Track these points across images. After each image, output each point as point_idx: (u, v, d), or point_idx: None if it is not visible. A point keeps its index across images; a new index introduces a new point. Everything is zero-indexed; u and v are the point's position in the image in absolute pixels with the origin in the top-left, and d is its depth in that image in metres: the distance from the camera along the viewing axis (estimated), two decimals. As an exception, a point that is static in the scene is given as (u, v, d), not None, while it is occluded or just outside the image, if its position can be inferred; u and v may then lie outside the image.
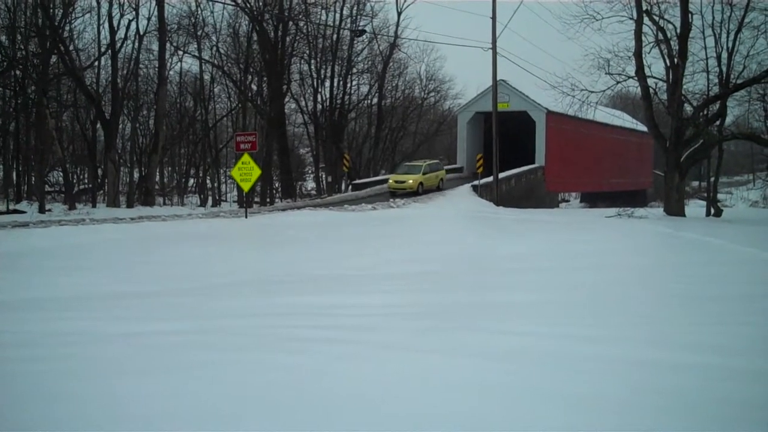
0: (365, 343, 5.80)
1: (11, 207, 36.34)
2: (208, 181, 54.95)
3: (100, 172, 45.19)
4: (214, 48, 50.96)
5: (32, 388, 4.53)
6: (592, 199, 62.77)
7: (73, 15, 42.09)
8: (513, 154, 48.19)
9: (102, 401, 4.27)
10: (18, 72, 42.47)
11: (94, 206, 39.31)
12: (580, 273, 11.03)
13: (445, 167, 43.39)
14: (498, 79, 38.60)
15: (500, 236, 20.14)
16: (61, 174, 45.82)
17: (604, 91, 31.80)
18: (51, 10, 38.60)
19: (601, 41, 52.46)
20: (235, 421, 3.91)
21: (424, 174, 38.06)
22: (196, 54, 50.46)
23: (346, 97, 54.53)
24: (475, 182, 38.85)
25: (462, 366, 4.91)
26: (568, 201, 69.45)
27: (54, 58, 40.51)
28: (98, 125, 44.35)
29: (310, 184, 61.53)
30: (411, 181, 37.37)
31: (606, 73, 30.72)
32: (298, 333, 6.57)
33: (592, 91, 30.96)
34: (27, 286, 11.45)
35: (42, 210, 34.21)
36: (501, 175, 38.85)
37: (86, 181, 51.41)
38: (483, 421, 3.81)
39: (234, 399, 4.27)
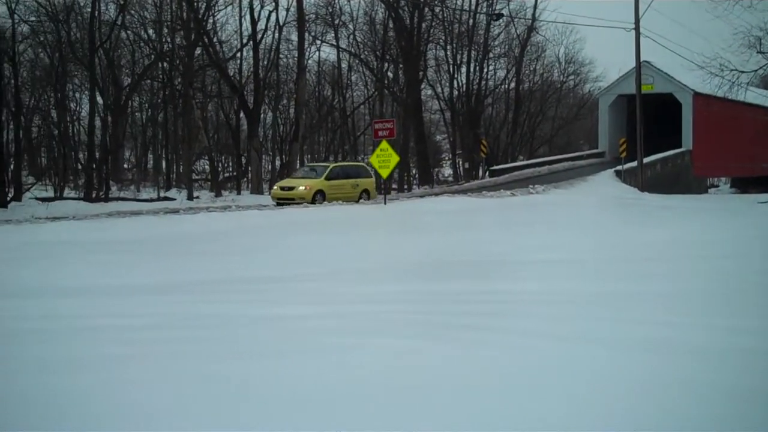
0: (502, 331, 5.65)
1: (162, 194, 37.92)
2: (346, 168, 55.64)
3: (243, 160, 46.58)
4: (351, 36, 51.50)
5: (177, 369, 4.63)
6: (743, 185, 59.76)
7: (216, 8, 43.41)
8: (657, 138, 46.44)
9: (239, 382, 4.32)
10: (165, 64, 44.24)
11: (238, 193, 40.54)
12: (726, 261, 10.46)
13: (586, 152, 40.74)
14: (641, 60, 37.24)
15: (644, 222, 19.46)
16: (207, 162, 47.48)
17: (755, 71, 30.19)
18: (195, 4, 39.91)
19: (751, 19, 49.76)
20: (355, 404, 3.89)
21: (327, 179, 29.41)
22: (334, 43, 51.12)
23: (483, 82, 53.98)
24: (619, 167, 37.19)
25: (597, 356, 4.69)
26: (717, 186, 66.50)
27: (198, 51, 41.92)
28: (241, 114, 45.65)
29: (447, 171, 61.35)
30: (303, 188, 28.75)
31: (758, 52, 29.10)
32: (431, 318, 6.49)
33: (742, 71, 29.39)
34: (178, 270, 11.85)
35: (190, 197, 35.56)
36: (645, 159, 37.18)
37: (230, 168, 53.09)
38: (631, 411, 3.60)
39: (357, 382, 4.24)
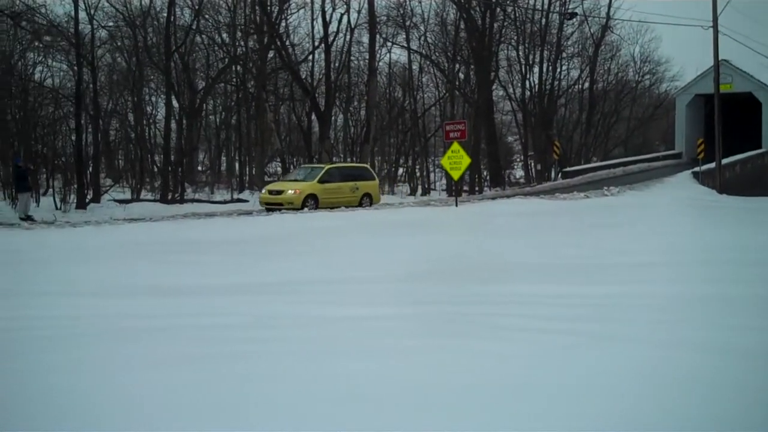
0: (581, 334, 5.49)
1: (235, 196, 38.35)
2: (416, 170, 55.58)
3: (315, 161, 46.83)
4: (422, 38, 51.41)
5: (253, 368, 4.63)
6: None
7: (289, 11, 43.80)
8: (737, 139, 45.22)
9: (313, 380, 4.36)
10: (238, 68, 44.79)
11: (310, 195, 40.71)
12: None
13: (662, 153, 39.54)
14: (720, 58, 36.27)
15: (724, 225, 18.90)
16: (279, 164, 47.87)
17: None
18: (268, 8, 40.30)
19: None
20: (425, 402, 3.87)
21: (321, 182, 27.31)
22: (405, 44, 51.08)
23: (556, 82, 53.34)
24: (696, 169, 36.26)
25: (682, 361, 4.50)
26: (798, 188, 64.43)
27: (271, 54, 42.32)
28: (313, 116, 45.93)
29: (519, 173, 60.74)
30: (292, 192, 26.69)
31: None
32: (510, 322, 6.38)
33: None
34: (254, 270, 11.88)
35: (262, 199, 35.82)
36: (724, 160, 36.14)
37: (302, 171, 53.46)
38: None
39: (433, 384, 4.14)
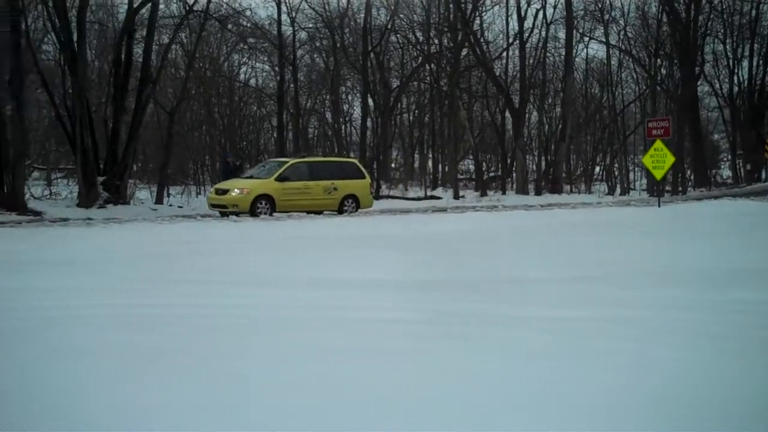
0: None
1: (428, 193, 38.64)
2: (614, 169, 53.84)
3: (508, 159, 46.42)
4: (622, 32, 49.66)
5: (448, 366, 4.70)
6: None
7: (483, 8, 43.58)
8: None
9: (505, 382, 4.28)
10: (432, 66, 45.05)
11: (503, 193, 40.38)
12: None
13: None
14: None
15: None
16: (472, 161, 47.74)
17: None
18: (462, 5, 40.26)
19: None
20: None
21: (279, 180, 23.19)
22: (603, 39, 49.54)
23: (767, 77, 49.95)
24: None
25: None
26: None
27: (464, 51, 42.26)
28: (507, 114, 45.53)
29: (726, 173, 57.48)
30: (236, 192, 22.71)
31: None
32: (705, 329, 5.91)
33: None
34: (443, 267, 11.62)
35: (456, 196, 35.91)
36: None
37: (495, 168, 53.09)
38: None
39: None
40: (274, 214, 22.65)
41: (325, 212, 23.64)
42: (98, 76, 37.30)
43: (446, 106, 42.64)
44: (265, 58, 41.95)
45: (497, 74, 44.31)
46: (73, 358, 4.89)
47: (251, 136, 41.55)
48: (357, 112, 47.43)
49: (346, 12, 42.57)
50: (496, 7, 46.61)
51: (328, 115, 46.65)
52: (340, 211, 23.77)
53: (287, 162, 24.41)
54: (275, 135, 37.73)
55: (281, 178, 23.25)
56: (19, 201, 24.37)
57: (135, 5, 29.26)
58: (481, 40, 43.57)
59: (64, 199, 28.40)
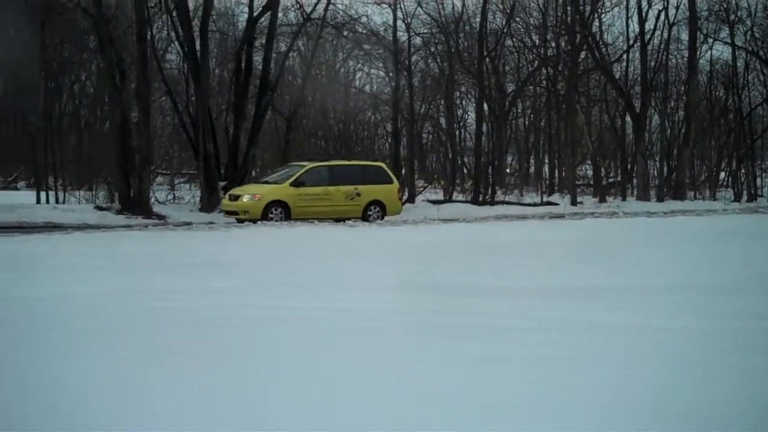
0: None
1: (545, 199, 38.10)
2: (740, 175, 51.68)
3: (628, 165, 45.26)
4: (749, 33, 47.62)
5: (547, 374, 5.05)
6: None
7: (602, 10, 42.66)
8: None
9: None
10: (549, 69, 44.34)
11: (623, 199, 39.33)
12: None
13: None
14: None
15: None
16: (590, 167, 46.75)
17: None
18: (581, 7, 39.51)
19: None
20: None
21: (295, 185, 22.20)
22: (728, 40, 47.67)
23: None
24: None
25: None
26: None
27: (582, 54, 41.45)
28: (627, 118, 44.39)
29: None
30: (248, 199, 21.87)
31: None
32: None
33: None
34: (555, 274, 11.44)
35: (574, 202, 35.24)
36: None
37: (614, 173, 51.82)
38: None
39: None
40: (293, 220, 21.53)
41: (347, 220, 22.03)
42: (219, 84, 38.35)
43: (563, 110, 41.91)
44: (380, 64, 42.22)
45: (617, 77, 43.28)
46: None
47: (366, 142, 41.85)
48: (471, 117, 47.10)
49: (461, 17, 42.38)
50: (616, 9, 45.63)
51: (442, 121, 46.52)
52: (365, 218, 22.63)
53: (304, 166, 23.52)
54: (390, 140, 37.88)
55: (297, 183, 22.32)
56: (145, 205, 25.36)
57: (255, 14, 30.02)
58: (600, 43, 42.65)
59: (187, 203, 29.24)
